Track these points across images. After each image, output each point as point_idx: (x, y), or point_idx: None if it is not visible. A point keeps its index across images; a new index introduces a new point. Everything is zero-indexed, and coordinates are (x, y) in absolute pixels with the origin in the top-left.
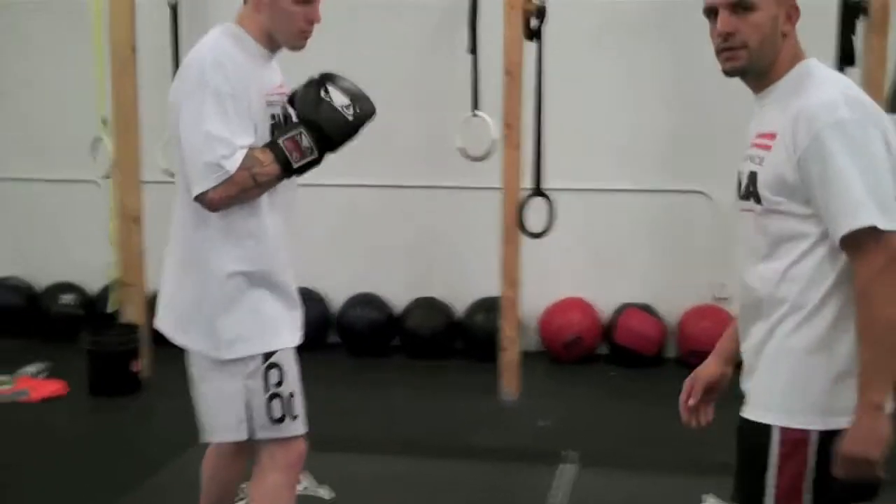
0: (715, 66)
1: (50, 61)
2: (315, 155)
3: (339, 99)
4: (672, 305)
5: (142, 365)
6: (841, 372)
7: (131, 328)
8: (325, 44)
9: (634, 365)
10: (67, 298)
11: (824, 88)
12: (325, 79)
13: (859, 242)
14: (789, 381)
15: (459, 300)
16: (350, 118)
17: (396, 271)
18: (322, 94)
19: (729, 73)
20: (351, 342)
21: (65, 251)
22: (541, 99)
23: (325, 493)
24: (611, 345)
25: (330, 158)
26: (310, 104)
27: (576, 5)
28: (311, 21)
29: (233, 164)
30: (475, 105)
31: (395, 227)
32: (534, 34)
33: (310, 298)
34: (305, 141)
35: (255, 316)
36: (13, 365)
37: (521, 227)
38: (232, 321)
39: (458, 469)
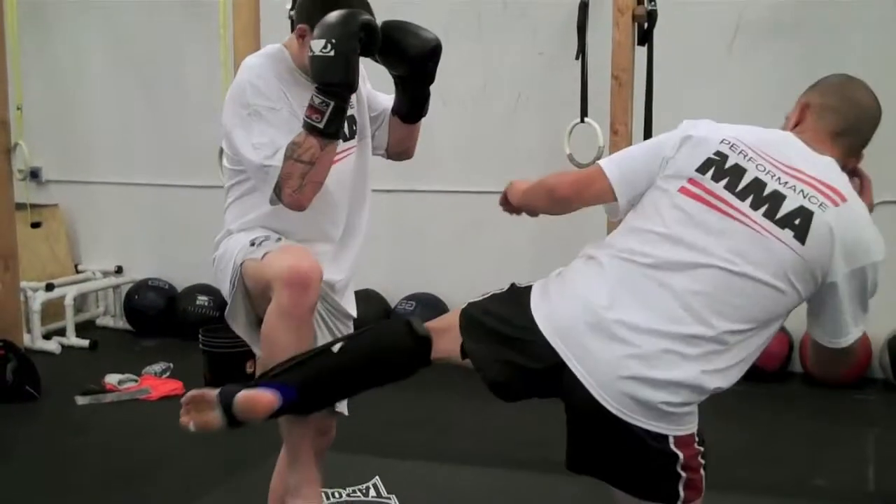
0: (843, 69)
1: (197, 72)
2: (330, 105)
3: (315, 45)
4: (797, 319)
5: (256, 365)
6: None
7: None
8: (454, 54)
9: (757, 379)
10: (203, 300)
11: None
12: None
13: None
14: None
15: None
16: (330, 55)
17: (516, 275)
18: (307, 52)
19: None
20: None
21: (206, 254)
22: (651, 105)
23: (394, 501)
24: None
25: (452, 165)
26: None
27: (689, 9)
28: None
29: (277, 161)
30: (584, 111)
31: (514, 233)
32: (644, 39)
33: (431, 304)
34: (315, 100)
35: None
36: (148, 363)
37: None
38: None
39: (535, 482)
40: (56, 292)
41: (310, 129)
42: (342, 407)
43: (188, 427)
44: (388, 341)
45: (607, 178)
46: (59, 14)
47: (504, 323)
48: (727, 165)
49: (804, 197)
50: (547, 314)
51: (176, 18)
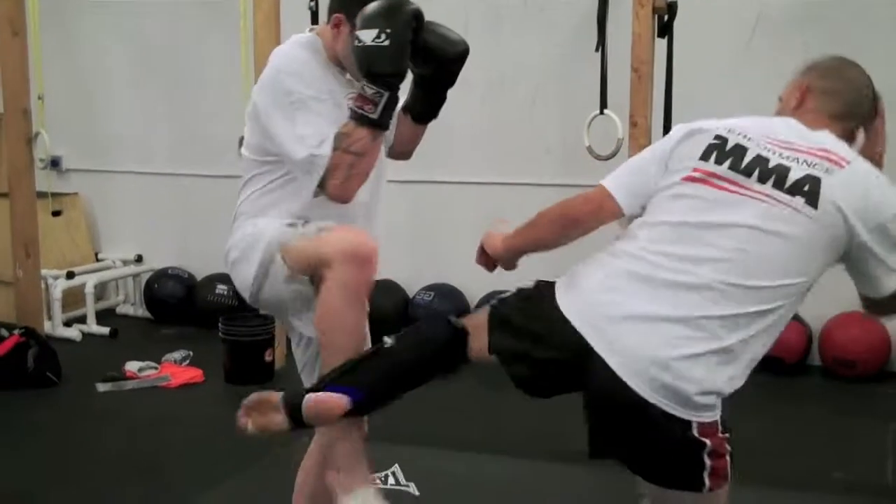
0: (862, 63)
1: (217, 61)
2: (384, 96)
3: (366, 36)
4: (819, 311)
5: (275, 354)
6: None
7: (267, 319)
8: (473, 46)
9: (776, 372)
10: (222, 289)
11: None
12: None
13: None
14: None
15: None
16: (385, 45)
17: (535, 269)
18: (355, 43)
19: None
20: None
21: (225, 242)
22: (670, 97)
23: (413, 489)
24: None
25: (471, 157)
26: (355, 54)
27: (709, 2)
28: None
29: (325, 150)
30: (603, 103)
31: None
32: (664, 31)
33: (450, 294)
34: (367, 90)
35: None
36: (168, 351)
37: None
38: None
39: (554, 472)
40: (77, 280)
41: (361, 119)
42: None
43: (247, 428)
44: (430, 335)
45: (614, 199)
46: (81, 5)
47: (530, 318)
48: (728, 147)
49: (808, 166)
50: (574, 304)
51: (196, 9)
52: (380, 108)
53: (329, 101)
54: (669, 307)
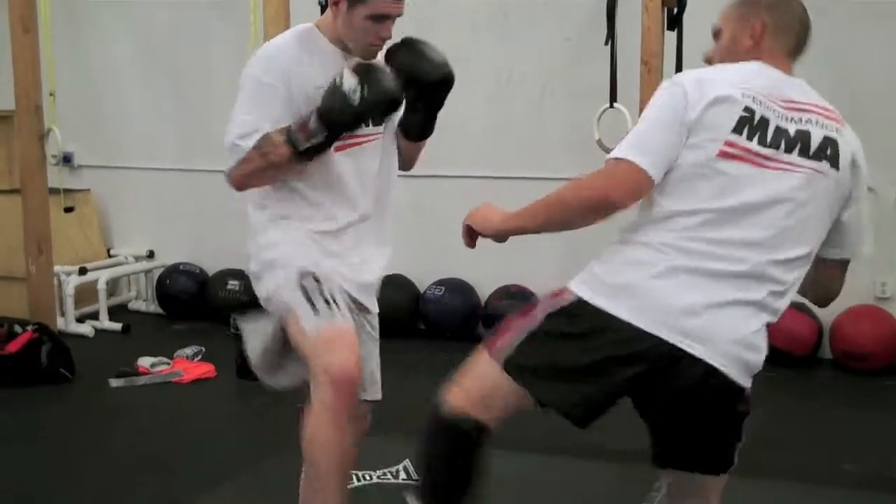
0: (875, 61)
1: (226, 57)
2: (320, 138)
3: (348, 83)
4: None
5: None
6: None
7: None
8: (481, 41)
9: (786, 365)
10: (234, 284)
11: None
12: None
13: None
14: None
15: None
16: (355, 102)
17: (545, 263)
18: (337, 79)
19: None
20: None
21: (236, 238)
22: None
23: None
24: None
25: (482, 151)
26: (326, 89)
27: None
28: (382, 37)
29: (248, 144)
30: (613, 97)
31: None
32: (674, 24)
33: (461, 289)
34: (313, 123)
35: (294, 244)
36: (180, 347)
37: None
38: (270, 250)
39: (564, 466)
40: (89, 276)
41: (290, 140)
42: (376, 393)
43: None
44: (440, 456)
45: (646, 173)
46: (91, 2)
47: (583, 351)
48: (756, 121)
49: (822, 127)
50: (640, 311)
51: (205, 5)
52: (309, 143)
53: (284, 91)
54: (734, 291)
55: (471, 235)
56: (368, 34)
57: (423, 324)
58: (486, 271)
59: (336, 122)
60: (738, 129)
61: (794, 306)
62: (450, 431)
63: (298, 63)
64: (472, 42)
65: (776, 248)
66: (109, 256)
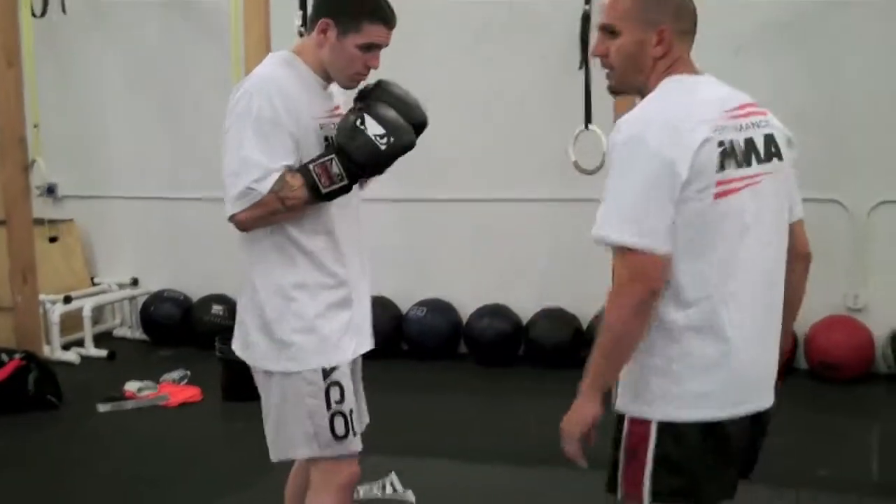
0: (854, 75)
1: (210, 86)
2: (344, 182)
3: (373, 128)
4: (803, 315)
5: None
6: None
7: None
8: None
9: None
10: (217, 309)
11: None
12: (370, 102)
13: (615, 253)
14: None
15: (586, 310)
16: (383, 148)
17: (525, 282)
18: (358, 122)
19: (609, 90)
20: (479, 352)
21: (220, 264)
22: None
23: (410, 496)
24: None
25: (460, 174)
26: (345, 131)
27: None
28: (369, 67)
29: (264, 187)
30: (588, 118)
31: (522, 239)
32: None
33: (442, 309)
34: (335, 167)
35: (310, 330)
36: (165, 371)
37: None
38: (287, 332)
39: (547, 478)
40: (74, 304)
41: (310, 184)
42: (365, 420)
43: None
44: None
45: (658, 254)
46: (75, 32)
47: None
48: (728, 148)
49: (759, 126)
50: (722, 402)
51: (188, 35)
52: (332, 188)
53: (287, 127)
54: (767, 331)
55: (576, 441)
56: (356, 63)
57: (406, 344)
58: (466, 291)
59: (365, 165)
60: (720, 167)
61: None
62: None
63: (293, 93)
64: (453, 65)
65: (778, 266)
66: (94, 284)
